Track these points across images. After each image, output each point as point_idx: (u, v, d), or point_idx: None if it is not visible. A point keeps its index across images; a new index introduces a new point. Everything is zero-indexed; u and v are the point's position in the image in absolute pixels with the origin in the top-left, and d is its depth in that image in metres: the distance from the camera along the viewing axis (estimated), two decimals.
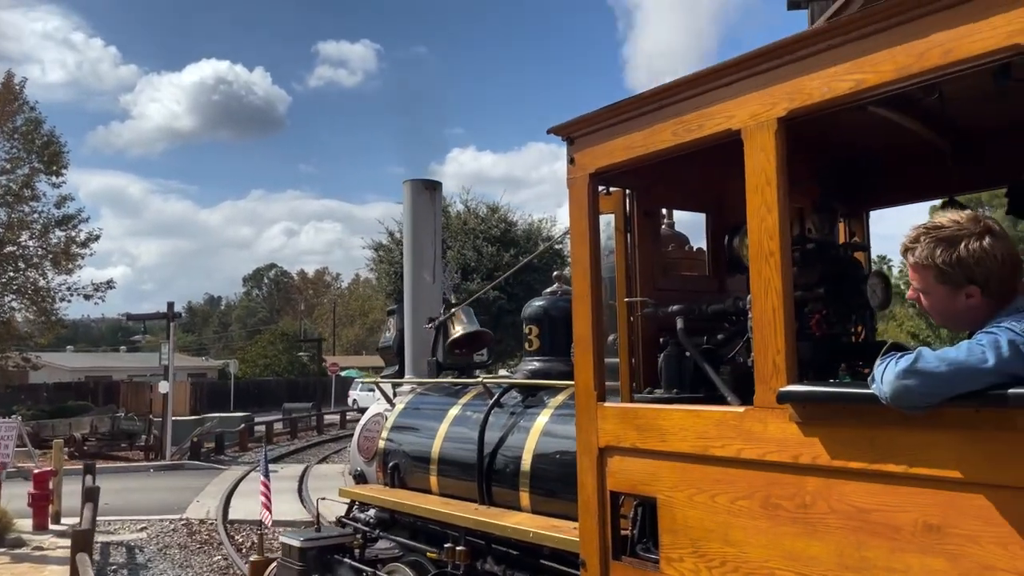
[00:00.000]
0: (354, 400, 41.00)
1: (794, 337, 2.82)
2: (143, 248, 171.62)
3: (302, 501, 15.38)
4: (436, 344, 6.20)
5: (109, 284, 31.93)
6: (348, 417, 35.44)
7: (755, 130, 2.91)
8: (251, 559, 7.16)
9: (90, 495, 10.46)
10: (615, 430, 3.43)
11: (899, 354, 2.40)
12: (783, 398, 2.73)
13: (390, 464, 5.89)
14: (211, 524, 13.55)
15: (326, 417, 35.37)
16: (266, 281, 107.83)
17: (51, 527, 12.66)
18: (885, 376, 2.37)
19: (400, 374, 6.90)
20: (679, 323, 3.60)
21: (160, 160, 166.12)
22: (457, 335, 6.05)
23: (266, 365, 58.36)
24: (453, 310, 6.21)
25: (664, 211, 4.68)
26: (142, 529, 13.22)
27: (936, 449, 2.36)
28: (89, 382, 43.16)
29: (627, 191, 3.96)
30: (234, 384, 45.46)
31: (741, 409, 2.94)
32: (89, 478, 12.25)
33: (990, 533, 2.26)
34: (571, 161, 3.73)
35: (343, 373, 47.91)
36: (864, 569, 2.54)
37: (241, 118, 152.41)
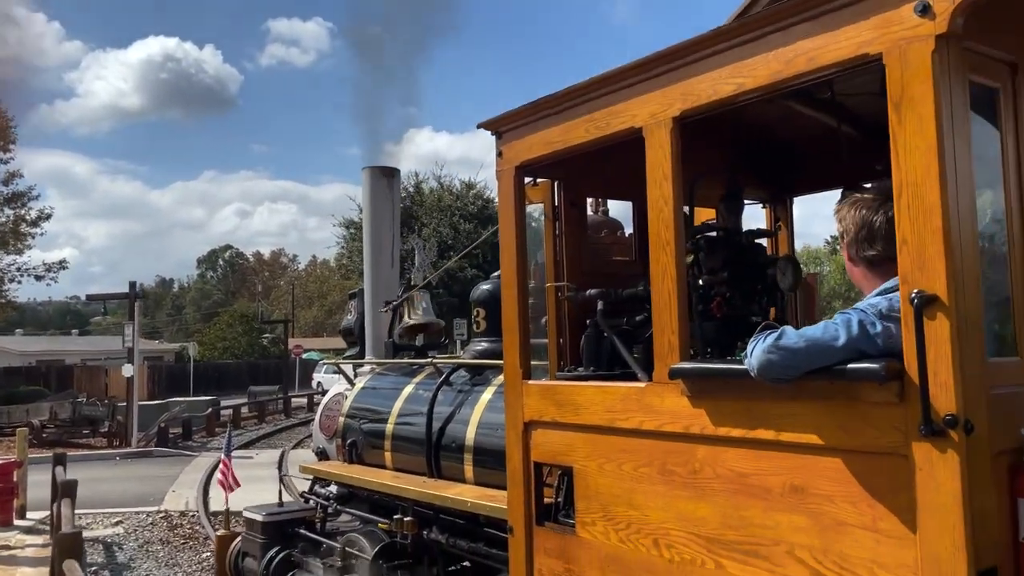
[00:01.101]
0: (318, 383, 40.15)
1: (687, 319, 3.08)
2: (91, 230, 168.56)
3: (285, 487, 15.12)
4: (392, 326, 6.44)
5: (62, 264, 31.52)
6: (316, 400, 34.29)
7: (654, 128, 3.15)
8: (217, 534, 7.41)
9: (66, 489, 9.29)
10: (538, 406, 3.69)
11: (769, 332, 2.67)
12: (674, 374, 3.00)
13: (348, 441, 6.15)
14: (193, 516, 12.93)
15: (293, 400, 34.68)
16: (221, 263, 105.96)
17: (16, 523, 12.00)
18: (754, 352, 2.64)
19: (361, 355, 7.14)
20: (599, 306, 3.85)
21: (108, 139, 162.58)
22: (408, 323, 6.28)
23: (225, 348, 57.57)
24: (408, 294, 6.45)
25: (598, 200, 4.94)
26: (118, 523, 12.42)
27: (799, 418, 2.63)
28: (41, 366, 41.49)
29: (554, 182, 4.20)
30: (193, 367, 44.07)
31: (642, 385, 3.21)
32: (60, 469, 11.25)
33: (842, 492, 2.53)
34: (499, 154, 3.96)
35: (304, 355, 47.40)
36: (743, 528, 2.82)
37: (191, 97, 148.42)
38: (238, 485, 8.40)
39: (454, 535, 4.75)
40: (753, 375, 2.64)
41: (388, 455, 5.75)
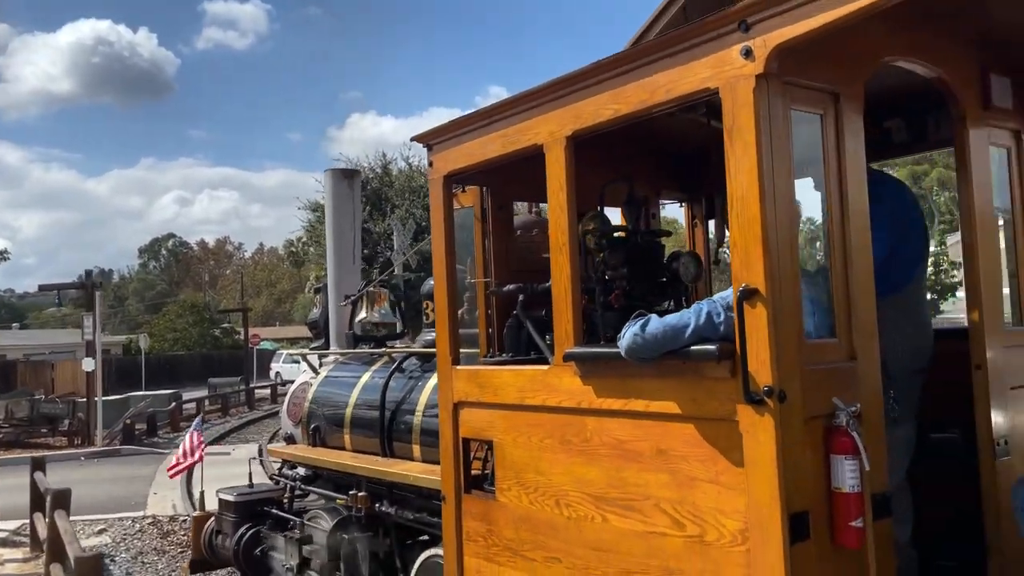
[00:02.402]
0: (277, 373, 38.94)
1: (580, 310, 3.58)
2: (24, 220, 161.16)
3: (264, 469, 15.20)
4: (352, 319, 6.91)
5: (3, 255, 31.18)
6: (281, 391, 31.90)
7: (552, 145, 3.65)
8: (193, 515, 7.89)
9: (60, 499, 7.70)
10: (464, 388, 4.19)
11: (638, 319, 3.17)
12: (567, 357, 3.50)
13: (312, 426, 6.63)
14: (184, 522, 11.48)
15: (256, 392, 33.03)
16: (164, 252, 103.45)
17: None
18: (624, 336, 3.14)
19: (326, 346, 7.62)
20: (520, 299, 4.35)
21: (39, 127, 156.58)
22: (362, 318, 6.75)
23: (176, 339, 55.72)
24: (365, 289, 6.92)
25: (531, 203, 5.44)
26: (102, 531, 11.17)
27: (661, 392, 3.14)
28: None
29: (483, 188, 4.69)
30: (144, 360, 41.36)
31: (546, 367, 3.71)
32: (40, 475, 10.03)
33: (694, 453, 3.04)
34: (430, 164, 4.44)
35: (259, 345, 45.93)
36: (622, 486, 3.32)
37: (125, 81, 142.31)
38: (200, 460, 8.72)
39: (402, 507, 5.25)
40: (624, 356, 3.15)
41: (347, 438, 6.23)
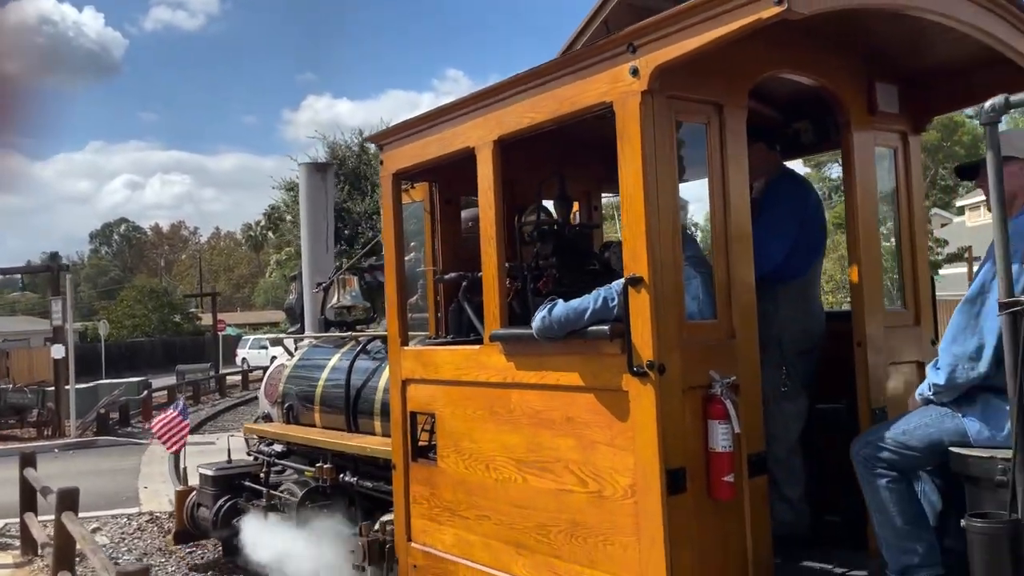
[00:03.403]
0: (244, 359, 38.11)
1: (505, 295, 4.02)
2: None
3: (255, 459, 13.78)
4: (324, 304, 7.35)
5: None
6: (253, 377, 30.92)
7: (481, 148, 4.07)
8: (177, 489, 8.35)
9: (67, 500, 6.68)
10: (411, 366, 4.64)
11: (550, 303, 3.61)
12: (493, 337, 3.95)
13: (286, 405, 7.08)
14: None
15: (227, 378, 31.76)
16: (116, 237, 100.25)
17: None
18: (536, 318, 3.58)
19: (302, 331, 8.06)
20: (463, 285, 4.78)
21: None
22: (334, 303, 7.19)
23: (135, 325, 53.67)
24: (338, 275, 7.36)
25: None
26: (96, 531, 9.93)
27: (569, 366, 3.58)
28: None
29: (431, 184, 5.12)
30: (104, 347, 39.59)
31: (478, 347, 4.15)
32: (31, 471, 9.13)
33: (595, 420, 3.49)
34: (381, 163, 4.87)
35: (223, 331, 44.01)
36: (538, 451, 3.77)
37: (72, 63, 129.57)
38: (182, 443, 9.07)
39: (362, 477, 5.71)
40: (535, 336, 3.60)
41: (317, 415, 6.68)
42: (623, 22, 3.81)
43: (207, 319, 52.82)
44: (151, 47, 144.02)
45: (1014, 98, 2.52)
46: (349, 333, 6.84)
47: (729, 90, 3.53)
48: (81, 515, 8.44)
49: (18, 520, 9.26)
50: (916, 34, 3.73)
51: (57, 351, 19.88)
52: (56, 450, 17.09)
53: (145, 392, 23.47)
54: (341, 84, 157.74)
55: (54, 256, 21.59)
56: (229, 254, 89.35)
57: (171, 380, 29.65)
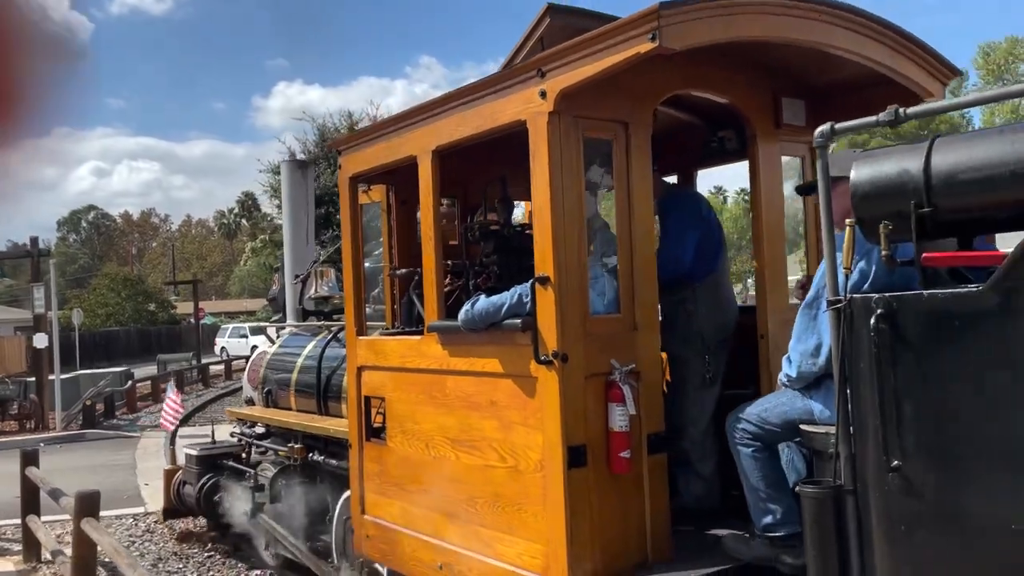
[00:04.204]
0: (223, 348, 37.61)
1: (443, 291, 4.45)
2: None
3: (238, 441, 12.34)
4: (302, 295, 7.79)
5: None
6: (236, 366, 30.02)
7: (422, 156, 4.49)
8: (165, 468, 8.84)
9: (88, 505, 6.06)
10: (365, 354, 5.07)
11: (476, 298, 4.04)
12: (431, 329, 4.38)
13: (265, 390, 7.53)
14: (197, 521, 8.92)
15: (210, 368, 30.65)
16: (84, 225, 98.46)
17: None
18: (462, 311, 4.01)
19: (283, 320, 8.52)
20: (414, 279, 5.21)
21: None
22: (312, 294, 7.63)
23: (108, 315, 52.06)
24: (316, 268, 7.79)
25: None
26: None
27: (491, 355, 4.01)
28: None
29: (387, 186, 5.54)
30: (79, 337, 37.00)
31: (419, 337, 4.59)
32: (33, 470, 8.41)
33: (512, 402, 3.92)
34: (339, 167, 5.29)
35: (203, 320, 42.73)
36: (468, 431, 4.20)
37: (35, 46, 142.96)
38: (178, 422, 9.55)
39: (329, 456, 6.16)
40: (461, 327, 4.03)
41: (293, 399, 7.13)
42: (557, 39, 4.20)
43: (182, 308, 51.56)
44: (117, 31, 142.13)
45: (839, 126, 2.92)
46: (323, 323, 7.28)
47: (634, 109, 3.93)
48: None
49: (16, 522, 8.77)
50: (818, 54, 4.11)
51: (40, 340, 18.94)
52: (42, 444, 15.84)
53: (129, 383, 22.62)
54: (313, 70, 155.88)
55: (34, 241, 20.55)
56: (201, 242, 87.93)
57: (151, 370, 28.53)
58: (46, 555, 7.99)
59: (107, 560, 6.44)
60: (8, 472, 10.17)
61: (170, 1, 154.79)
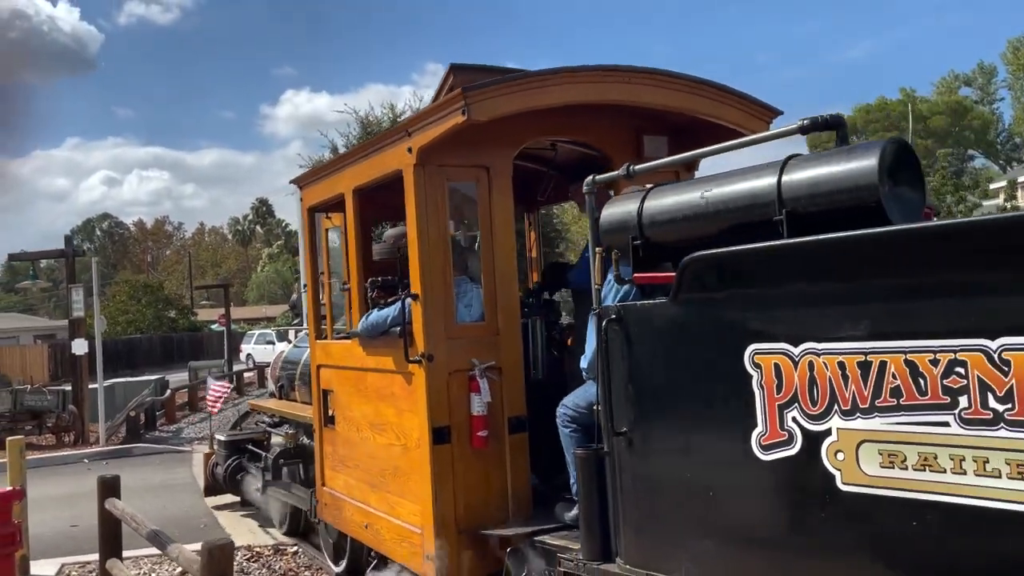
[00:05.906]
0: (249, 355, 36.46)
1: (365, 303, 5.47)
2: None
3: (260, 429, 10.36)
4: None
5: None
6: (267, 375, 22.79)
7: (348, 194, 5.52)
8: (203, 452, 10.19)
9: (222, 559, 4.15)
10: (321, 355, 6.16)
11: (372, 311, 5.05)
12: (350, 335, 5.42)
13: (279, 384, 8.75)
14: (298, 553, 7.80)
15: (242, 375, 27.96)
16: (98, 233, 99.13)
17: None
18: (359, 322, 5.04)
19: (302, 324, 9.74)
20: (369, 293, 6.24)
21: None
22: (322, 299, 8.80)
23: (129, 322, 50.57)
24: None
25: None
26: (184, 574, 6.63)
27: (388, 356, 5.01)
28: None
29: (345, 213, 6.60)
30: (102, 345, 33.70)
31: (351, 341, 5.63)
32: (115, 501, 6.40)
33: (402, 394, 4.91)
34: (300, 199, 6.38)
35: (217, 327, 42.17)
36: (379, 416, 5.22)
37: (47, 58, 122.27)
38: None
39: (310, 437, 7.30)
40: (360, 335, 5.06)
41: (298, 392, 8.31)
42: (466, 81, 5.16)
43: (203, 314, 51.69)
44: (126, 42, 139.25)
45: (600, 177, 3.81)
46: None
47: (495, 156, 4.85)
48: (145, 552, 7.29)
49: (85, 559, 7.60)
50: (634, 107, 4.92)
51: (79, 346, 16.91)
52: (86, 460, 14.49)
53: (168, 392, 20.79)
54: (320, 78, 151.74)
55: (69, 240, 19.00)
56: (216, 249, 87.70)
57: (181, 377, 27.32)
58: None
59: None
60: (50, 496, 9.36)
61: (176, 11, 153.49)
